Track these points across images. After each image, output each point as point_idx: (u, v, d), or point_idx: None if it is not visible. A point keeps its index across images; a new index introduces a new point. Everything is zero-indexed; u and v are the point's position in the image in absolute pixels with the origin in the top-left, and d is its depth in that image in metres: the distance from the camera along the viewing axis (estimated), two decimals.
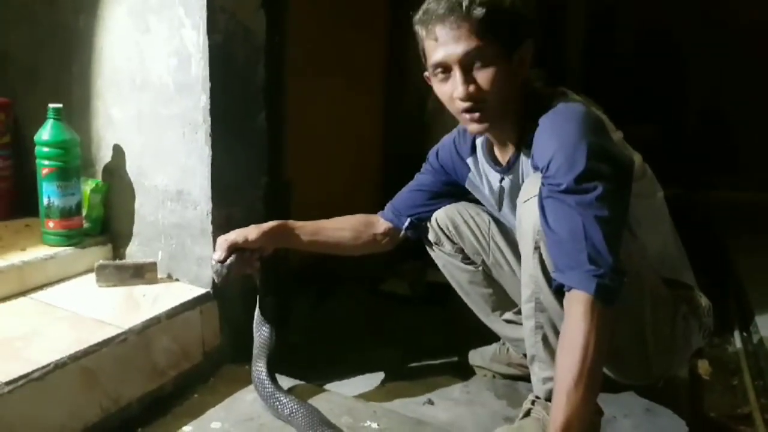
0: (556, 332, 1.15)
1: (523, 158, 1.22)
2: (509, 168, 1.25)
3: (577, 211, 1.03)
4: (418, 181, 1.43)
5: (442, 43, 1.11)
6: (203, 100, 1.32)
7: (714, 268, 2.57)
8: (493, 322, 1.47)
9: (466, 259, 1.43)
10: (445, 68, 1.13)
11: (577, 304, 1.03)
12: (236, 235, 1.27)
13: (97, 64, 1.46)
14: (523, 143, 1.20)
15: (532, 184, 1.13)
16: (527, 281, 1.17)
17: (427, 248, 1.46)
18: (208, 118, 1.33)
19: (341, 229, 1.41)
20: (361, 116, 2.22)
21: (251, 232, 1.28)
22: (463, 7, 1.08)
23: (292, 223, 1.36)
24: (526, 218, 1.13)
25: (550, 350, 1.19)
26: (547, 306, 1.16)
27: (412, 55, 2.34)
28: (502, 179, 1.29)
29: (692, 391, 1.59)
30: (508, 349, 1.52)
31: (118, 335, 1.18)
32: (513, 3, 1.12)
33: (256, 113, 1.46)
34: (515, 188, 1.25)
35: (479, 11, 1.08)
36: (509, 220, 1.35)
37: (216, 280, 1.26)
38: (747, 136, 3.95)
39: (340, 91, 1.98)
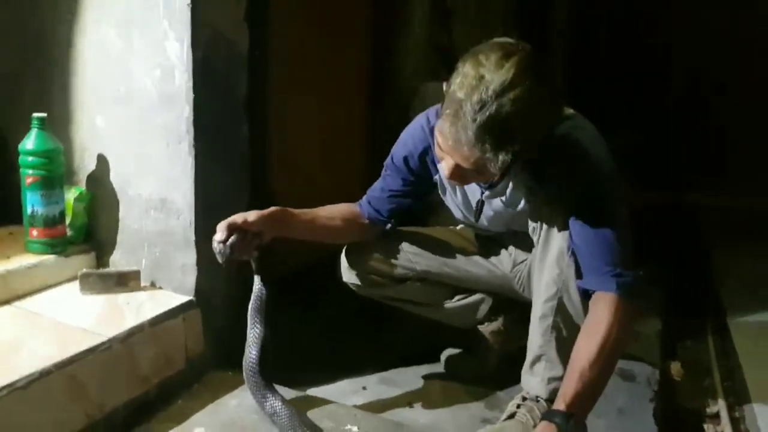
0: (571, 335, 1.22)
1: (512, 177, 1.28)
2: (494, 184, 1.31)
3: (590, 220, 1.15)
4: (391, 186, 1.44)
5: (453, 147, 1.08)
6: (187, 111, 1.35)
7: (692, 273, 2.65)
8: (450, 309, 1.57)
9: (399, 281, 1.51)
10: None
11: (602, 301, 1.15)
12: (236, 216, 1.27)
13: (81, 74, 1.47)
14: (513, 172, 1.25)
15: (555, 195, 1.21)
16: (553, 279, 1.24)
17: (360, 292, 1.54)
18: (192, 129, 1.35)
19: (333, 218, 1.44)
20: (344, 127, 2.25)
21: (251, 214, 1.27)
22: (485, 155, 1.04)
23: (290, 210, 1.37)
24: (556, 222, 1.21)
25: (562, 352, 1.26)
26: (569, 307, 1.24)
27: (395, 67, 2.39)
28: (483, 193, 1.35)
29: (663, 392, 1.64)
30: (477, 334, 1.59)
31: (102, 343, 1.20)
32: (535, 145, 1.07)
33: (239, 124, 1.48)
34: (498, 201, 1.34)
35: (494, 169, 1.06)
36: (485, 227, 1.45)
37: (219, 260, 1.27)
38: (736, 141, 4.00)
39: (323, 102, 2.01)
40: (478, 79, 1.02)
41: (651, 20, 4.28)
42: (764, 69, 4.01)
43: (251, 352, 1.29)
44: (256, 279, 1.33)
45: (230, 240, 1.24)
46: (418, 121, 1.40)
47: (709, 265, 2.70)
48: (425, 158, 1.38)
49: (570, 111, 1.25)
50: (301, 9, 1.84)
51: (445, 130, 1.08)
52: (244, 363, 1.29)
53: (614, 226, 1.16)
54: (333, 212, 1.45)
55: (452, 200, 1.44)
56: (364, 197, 1.48)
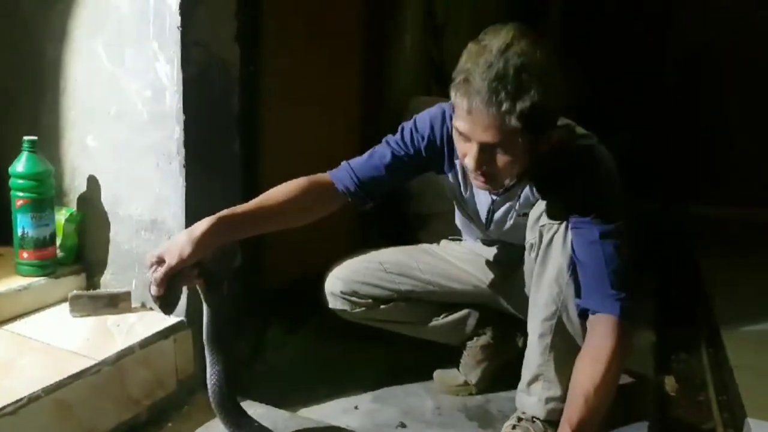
0: (569, 355, 1.21)
1: (527, 188, 1.29)
2: (506, 190, 1.30)
3: (599, 242, 1.15)
4: (398, 161, 1.34)
5: (471, 120, 1.08)
6: (177, 131, 1.35)
7: (684, 284, 2.65)
8: (437, 326, 1.57)
9: (385, 302, 1.50)
10: (466, 137, 1.12)
11: (604, 323, 1.15)
12: (169, 259, 1.10)
13: (72, 93, 1.47)
14: (530, 177, 1.25)
15: (561, 209, 1.21)
16: (552, 298, 1.23)
17: (346, 317, 1.52)
18: (182, 149, 1.35)
19: (288, 199, 1.27)
20: (338, 142, 2.24)
21: (184, 248, 1.10)
22: (502, 109, 1.04)
23: (230, 213, 1.19)
24: (557, 238, 1.20)
25: (560, 372, 1.26)
26: (568, 327, 1.24)
27: (387, 82, 2.39)
28: (494, 200, 1.34)
29: (659, 408, 1.63)
30: (467, 350, 1.60)
31: (92, 367, 1.19)
32: (553, 102, 1.07)
33: (230, 143, 1.48)
34: (507, 208, 1.34)
35: (515, 123, 1.05)
36: (493, 234, 1.45)
37: (167, 315, 1.16)
38: (731, 149, 3.98)
39: (316, 116, 2.01)
40: (481, 48, 1.07)
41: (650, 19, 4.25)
42: (764, 75, 4.00)
43: (217, 388, 1.21)
44: (205, 306, 1.22)
45: (172, 293, 1.11)
46: (442, 110, 1.32)
47: (701, 275, 2.69)
48: (445, 149, 1.32)
49: (582, 130, 1.25)
50: (294, 26, 1.84)
51: (459, 103, 1.09)
52: (211, 399, 1.22)
53: (621, 249, 1.16)
54: (287, 192, 1.27)
55: (461, 195, 1.41)
56: (343, 167, 1.36)
